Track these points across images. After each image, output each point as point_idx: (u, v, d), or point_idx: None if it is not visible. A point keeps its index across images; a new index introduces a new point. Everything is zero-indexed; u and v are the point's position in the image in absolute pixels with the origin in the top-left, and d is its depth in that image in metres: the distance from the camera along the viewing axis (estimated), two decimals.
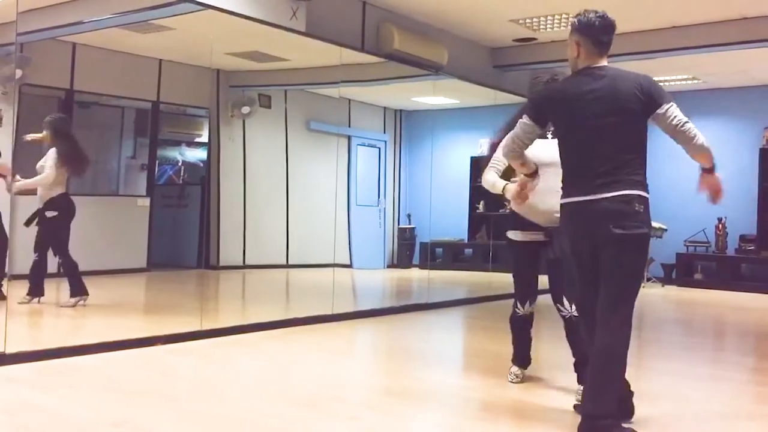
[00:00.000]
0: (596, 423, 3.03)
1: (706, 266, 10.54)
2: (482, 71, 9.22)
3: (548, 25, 8.08)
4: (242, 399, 3.68)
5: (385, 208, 12.16)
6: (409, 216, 12.43)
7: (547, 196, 3.76)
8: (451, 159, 11.93)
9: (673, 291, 10.07)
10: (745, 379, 4.84)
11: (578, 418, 3.38)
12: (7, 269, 6.06)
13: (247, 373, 4.41)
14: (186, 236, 10.33)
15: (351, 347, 5.86)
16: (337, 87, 8.73)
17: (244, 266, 10.14)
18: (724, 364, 5.39)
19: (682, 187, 10.70)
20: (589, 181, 3.14)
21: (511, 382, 4.15)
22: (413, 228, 12.22)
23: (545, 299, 4.06)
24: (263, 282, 9.91)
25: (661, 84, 3.33)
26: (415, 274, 11.32)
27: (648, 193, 3.16)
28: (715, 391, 4.30)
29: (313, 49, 7.50)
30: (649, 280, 10.33)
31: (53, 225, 6.24)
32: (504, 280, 8.88)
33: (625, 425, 3.13)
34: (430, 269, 10.10)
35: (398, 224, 12.46)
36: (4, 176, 6.02)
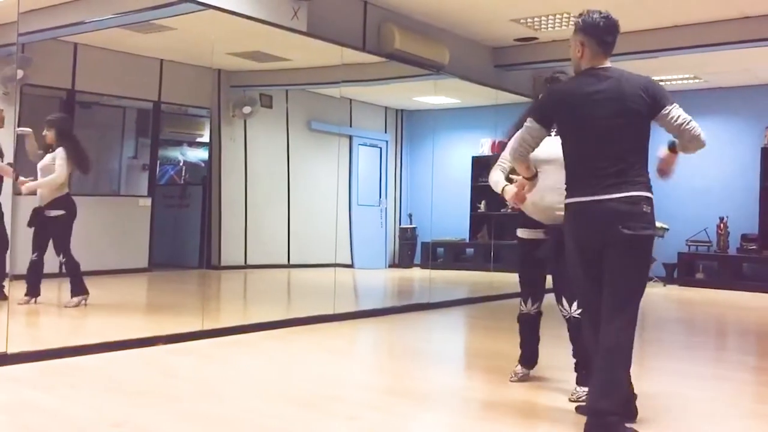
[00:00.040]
0: (605, 419, 3.02)
1: (707, 266, 10.53)
2: (483, 71, 9.21)
3: (549, 25, 8.08)
4: (242, 399, 3.68)
5: (386, 208, 12.16)
6: (410, 216, 12.43)
7: (546, 194, 3.77)
8: (452, 159, 11.94)
9: (674, 290, 10.06)
10: (747, 379, 4.83)
11: (579, 418, 3.38)
12: (8, 270, 6.05)
13: (247, 373, 4.41)
14: (187, 236, 10.33)
15: (352, 347, 5.86)
16: (338, 87, 8.73)
17: (246, 266, 10.15)
18: (725, 364, 5.38)
19: (683, 186, 10.71)
20: (597, 182, 3.15)
21: (510, 380, 4.15)
22: (414, 228, 12.21)
23: (551, 298, 4.05)
24: (264, 282, 9.92)
25: (663, 83, 3.36)
26: (417, 273, 11.32)
27: (652, 193, 3.19)
28: (717, 391, 4.30)
29: (315, 49, 7.50)
30: (650, 279, 10.32)
31: (60, 224, 6.24)
32: (505, 280, 8.94)
33: (627, 425, 3.13)
34: (432, 269, 10.10)
35: (399, 224, 12.46)
36: (15, 177, 6.04)
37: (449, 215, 11.40)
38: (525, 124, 3.35)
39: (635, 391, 3.36)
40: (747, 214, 10.23)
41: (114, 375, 4.20)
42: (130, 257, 9.07)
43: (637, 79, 3.22)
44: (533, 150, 3.38)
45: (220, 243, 9.99)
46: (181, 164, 12.17)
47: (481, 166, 11.79)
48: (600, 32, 3.25)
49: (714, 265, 10.45)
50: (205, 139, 10.95)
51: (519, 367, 4.20)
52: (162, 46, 8.58)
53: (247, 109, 10.12)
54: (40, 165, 6.32)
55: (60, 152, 6.26)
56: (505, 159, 4.08)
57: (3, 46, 6.34)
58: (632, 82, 3.20)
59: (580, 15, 3.31)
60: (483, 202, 11.65)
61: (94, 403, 3.56)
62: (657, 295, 9.44)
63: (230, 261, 9.98)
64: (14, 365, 4.19)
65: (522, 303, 4.17)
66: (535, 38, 8.69)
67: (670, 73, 9.82)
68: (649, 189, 3.18)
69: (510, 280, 8.70)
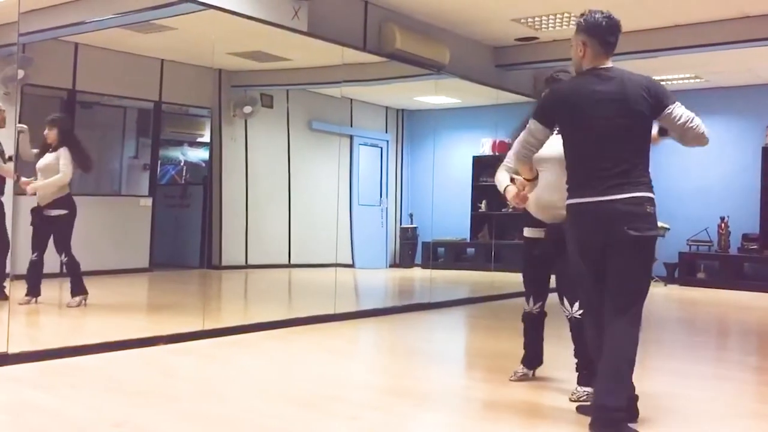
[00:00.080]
0: (611, 415, 3.03)
1: (708, 265, 10.52)
2: (484, 70, 9.21)
3: (550, 25, 8.07)
4: (243, 399, 3.68)
5: (387, 208, 12.16)
6: (411, 215, 12.43)
7: (547, 192, 3.77)
8: (453, 158, 11.94)
9: (675, 290, 10.05)
10: (748, 378, 4.82)
11: (580, 418, 3.39)
12: (8, 270, 6.05)
13: (248, 373, 4.41)
14: (188, 236, 10.33)
15: (353, 347, 5.86)
16: (339, 87, 8.73)
17: (247, 266, 10.15)
18: (727, 363, 5.37)
19: (684, 186, 10.72)
20: (600, 182, 3.16)
21: (510, 379, 4.15)
22: (415, 227, 12.22)
23: (555, 298, 4.05)
24: (265, 282, 9.92)
25: (664, 83, 3.37)
26: (417, 273, 11.32)
27: (654, 193, 3.21)
28: (718, 391, 4.29)
29: (315, 49, 7.50)
30: (652, 279, 10.31)
31: (62, 224, 6.23)
32: (506, 280, 8.95)
33: (629, 426, 3.13)
34: (432, 269, 10.10)
35: (400, 224, 12.46)
36: (17, 178, 6.04)
37: (450, 215, 11.41)
38: (528, 125, 3.36)
39: (636, 392, 3.35)
40: (748, 214, 10.23)
41: (114, 375, 4.20)
42: (131, 257, 9.07)
43: (639, 79, 3.23)
44: (537, 151, 3.40)
45: (220, 243, 9.99)
46: (181, 164, 12.18)
47: (482, 165, 11.81)
48: (602, 32, 3.25)
49: (715, 264, 10.44)
50: (206, 139, 10.95)
51: (520, 366, 4.20)
52: (163, 46, 8.58)
53: (247, 109, 10.13)
54: (40, 165, 6.27)
55: (64, 152, 6.24)
56: (511, 159, 4.08)
57: (4, 46, 6.35)
58: (634, 83, 3.21)
59: (582, 15, 3.32)
60: (484, 201, 11.65)
61: (95, 403, 3.56)
62: (658, 294, 9.43)
63: (231, 261, 9.98)
64: (15, 365, 4.19)
65: (525, 302, 4.18)
66: (536, 38, 8.69)
67: (671, 72, 9.82)
68: (651, 189, 3.20)
69: (511, 279, 8.72)
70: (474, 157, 11.86)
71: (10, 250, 5.98)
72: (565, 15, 7.70)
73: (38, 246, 6.25)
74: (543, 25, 8.13)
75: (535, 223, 4.01)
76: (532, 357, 4.20)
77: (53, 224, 6.22)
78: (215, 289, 9.10)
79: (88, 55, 8.63)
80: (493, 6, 7.60)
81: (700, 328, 7.46)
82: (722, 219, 10.28)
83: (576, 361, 3.85)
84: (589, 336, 3.41)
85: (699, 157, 10.58)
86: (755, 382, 4.78)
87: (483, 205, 11.67)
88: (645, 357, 5.12)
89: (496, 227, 10.88)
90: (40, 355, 4.37)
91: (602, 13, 3.28)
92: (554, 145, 3.49)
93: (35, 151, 6.39)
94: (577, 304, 3.80)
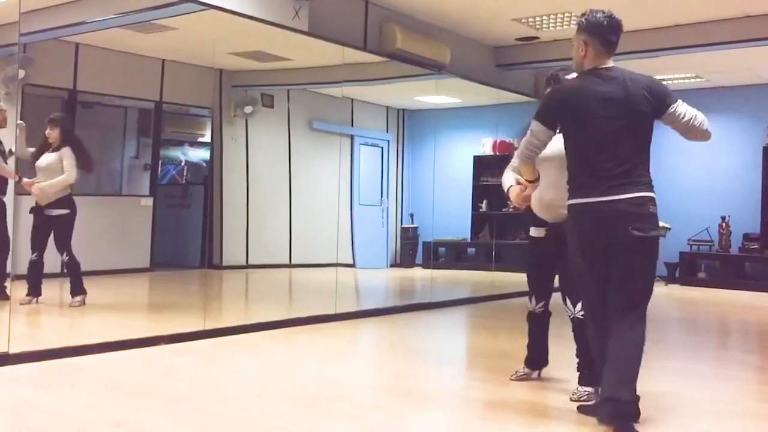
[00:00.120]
0: (623, 407, 3.04)
1: (709, 265, 10.51)
2: (485, 70, 9.21)
3: (550, 24, 8.07)
4: (243, 399, 3.68)
5: (387, 208, 12.16)
6: (411, 215, 12.43)
7: (548, 191, 3.78)
8: (453, 158, 11.94)
9: (676, 290, 10.05)
10: (750, 378, 4.82)
11: (581, 418, 3.39)
12: (9, 270, 6.06)
13: (248, 373, 4.41)
14: (189, 236, 10.34)
15: (353, 347, 5.86)
16: (339, 86, 8.73)
17: (247, 266, 10.15)
18: (728, 363, 5.37)
19: (685, 185, 10.71)
20: (601, 183, 3.17)
21: (510, 378, 4.15)
22: (416, 227, 12.22)
23: (557, 298, 4.05)
24: (266, 282, 9.92)
25: (665, 83, 3.38)
26: (418, 273, 11.32)
27: (655, 193, 3.23)
28: (719, 390, 4.29)
29: (316, 49, 7.50)
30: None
31: (63, 223, 6.23)
32: (507, 279, 8.94)
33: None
34: (433, 268, 10.09)
35: (401, 223, 12.47)
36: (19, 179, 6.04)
37: (451, 215, 11.41)
38: (530, 127, 3.36)
39: (637, 392, 3.35)
40: (749, 214, 10.22)
41: (115, 375, 4.20)
42: (132, 257, 9.07)
43: (640, 79, 3.25)
44: (540, 152, 3.41)
45: (221, 243, 10.00)
46: (182, 164, 12.18)
47: (483, 165, 11.82)
48: (604, 32, 3.26)
49: (716, 264, 10.44)
50: (207, 138, 10.95)
51: (522, 366, 4.19)
52: (163, 46, 8.58)
53: (248, 109, 10.13)
54: (41, 164, 6.25)
55: (67, 152, 6.22)
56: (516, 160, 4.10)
57: (5, 46, 6.35)
58: (636, 82, 3.22)
59: (584, 14, 3.32)
60: (484, 201, 11.66)
61: (95, 403, 3.56)
62: (659, 294, 9.35)
63: (232, 261, 9.99)
64: (16, 365, 4.19)
65: (528, 301, 4.18)
66: (537, 38, 8.68)
67: (671, 72, 9.82)
68: (652, 189, 3.22)
69: (512, 279, 8.73)
70: (475, 156, 11.86)
71: (11, 250, 5.98)
72: (566, 15, 7.69)
73: (38, 246, 6.24)
74: (544, 25, 8.13)
75: (540, 222, 4.01)
76: (536, 357, 4.19)
77: (54, 224, 6.22)
78: (216, 289, 9.11)
79: (88, 55, 8.64)
80: (493, 6, 7.60)
81: (701, 327, 7.46)
82: (723, 219, 10.28)
83: (577, 360, 3.84)
84: (590, 336, 3.41)
85: (700, 156, 10.61)
86: (756, 382, 4.78)
87: (484, 205, 11.67)
88: (646, 357, 5.08)
89: (496, 227, 10.88)
90: (41, 355, 4.37)
91: (603, 12, 3.29)
92: (556, 145, 3.49)
93: (31, 149, 6.37)
94: (579, 305, 3.79)
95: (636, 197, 3.14)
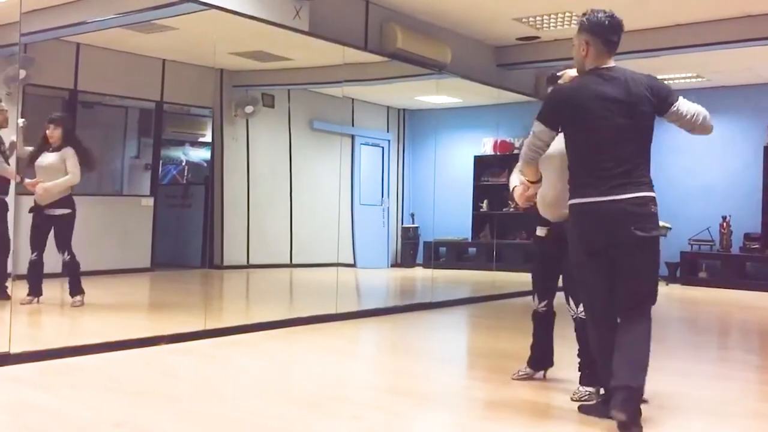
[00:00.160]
0: (633, 393, 3.06)
1: (710, 265, 10.51)
2: (485, 70, 9.20)
3: (551, 24, 8.07)
4: (244, 399, 3.68)
5: (388, 208, 12.16)
6: (412, 215, 12.44)
7: (549, 190, 3.78)
8: (454, 158, 11.94)
9: (677, 290, 10.04)
10: (751, 378, 4.82)
11: (582, 417, 3.39)
12: (11, 270, 6.06)
13: (248, 373, 4.40)
14: (190, 236, 10.34)
15: (354, 347, 5.86)
16: (340, 86, 8.73)
17: (248, 266, 10.16)
18: (729, 363, 5.36)
19: (686, 185, 10.70)
20: (602, 182, 3.18)
21: (511, 378, 4.15)
22: (417, 227, 12.22)
23: (560, 298, 4.05)
24: (267, 281, 9.92)
25: (666, 82, 3.39)
26: (419, 273, 11.32)
27: (655, 193, 3.25)
28: (720, 390, 4.28)
29: (316, 49, 7.50)
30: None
31: (65, 223, 6.23)
32: (508, 279, 8.94)
33: None
34: (434, 268, 10.10)
35: (402, 223, 12.47)
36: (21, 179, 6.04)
37: (451, 214, 11.41)
38: (532, 128, 3.36)
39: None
40: (750, 213, 10.21)
41: (115, 375, 4.20)
42: (133, 257, 9.08)
43: (641, 79, 3.26)
44: (543, 153, 3.42)
45: (222, 242, 10.00)
46: (183, 164, 12.19)
47: (484, 165, 11.82)
48: (605, 31, 3.26)
49: (717, 264, 10.43)
50: (208, 138, 10.96)
51: (525, 366, 4.19)
52: (164, 46, 8.58)
53: (249, 109, 10.13)
54: (42, 163, 6.23)
55: (70, 152, 6.21)
56: None
57: (6, 46, 6.36)
58: (637, 82, 3.23)
59: (585, 14, 3.32)
60: (485, 201, 11.66)
61: (95, 403, 3.56)
62: (660, 294, 9.36)
63: (232, 261, 9.99)
64: (17, 365, 4.19)
65: (532, 300, 4.18)
66: (537, 37, 8.68)
67: (672, 72, 9.81)
68: (653, 189, 3.23)
69: (512, 279, 8.72)
70: (475, 156, 11.87)
71: (11, 250, 5.98)
72: (567, 14, 7.69)
73: (37, 245, 6.24)
74: (544, 25, 8.12)
75: (544, 222, 4.02)
76: (539, 358, 4.18)
77: (55, 223, 6.22)
78: (217, 289, 9.11)
79: (89, 55, 8.64)
80: (494, 5, 7.59)
81: (702, 327, 7.45)
82: (724, 218, 10.27)
83: (579, 360, 3.84)
84: (590, 335, 3.41)
85: (701, 156, 10.60)
86: (757, 381, 4.78)
87: (484, 205, 11.67)
88: None
89: (497, 227, 10.89)
90: (42, 355, 4.37)
91: (605, 12, 3.29)
92: (556, 144, 3.49)
93: (29, 148, 6.35)
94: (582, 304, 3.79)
95: (638, 197, 3.15)
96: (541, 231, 4.06)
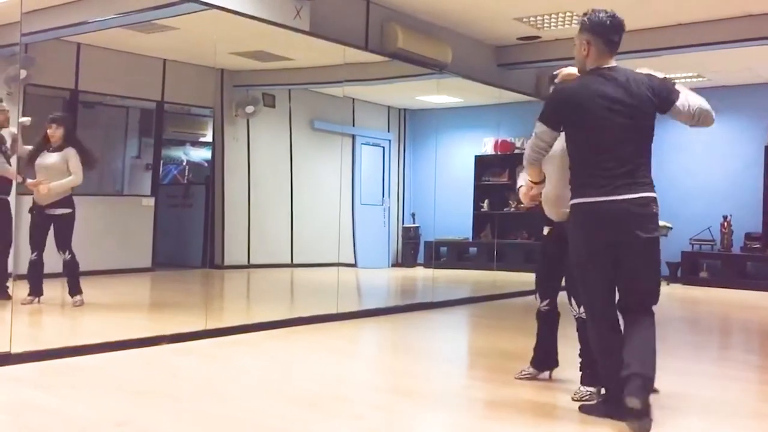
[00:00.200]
0: (648, 381, 3.09)
1: (711, 264, 10.50)
2: (486, 70, 9.20)
3: (552, 24, 8.07)
4: (244, 399, 3.68)
5: (389, 207, 12.16)
6: (413, 215, 12.44)
7: (552, 190, 3.79)
8: (455, 158, 11.94)
9: (678, 289, 10.04)
10: (751, 378, 4.82)
11: (583, 417, 3.39)
12: (12, 269, 6.06)
13: (249, 373, 4.40)
14: (190, 236, 10.35)
15: (355, 346, 5.86)
16: (341, 86, 8.74)
17: (249, 266, 10.16)
18: (730, 363, 5.36)
19: (687, 185, 10.70)
20: (605, 183, 3.18)
21: (514, 377, 4.15)
22: (417, 227, 12.22)
23: (563, 297, 4.05)
24: (267, 281, 9.92)
25: None
26: (420, 273, 11.32)
27: (656, 193, 3.26)
28: (721, 390, 4.28)
29: (317, 49, 7.50)
30: None
31: (66, 222, 6.23)
32: (508, 279, 8.94)
33: None
34: (435, 268, 10.09)
35: (402, 223, 12.47)
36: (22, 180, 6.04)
37: (452, 214, 11.41)
38: (534, 129, 3.36)
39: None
40: (751, 213, 10.21)
41: (116, 375, 4.20)
42: (134, 257, 9.08)
43: (642, 78, 3.27)
44: (546, 153, 3.43)
45: (223, 242, 10.00)
46: (184, 164, 12.19)
47: (484, 165, 11.82)
48: (607, 31, 3.26)
49: (717, 263, 10.43)
50: (208, 138, 10.96)
51: (528, 366, 4.19)
52: (165, 45, 8.58)
53: (250, 109, 10.13)
54: (44, 163, 6.23)
55: (72, 153, 6.21)
56: None
57: (6, 46, 6.37)
58: (639, 82, 3.23)
59: (586, 14, 3.33)
60: (486, 201, 11.66)
61: (96, 403, 3.56)
62: (660, 293, 9.39)
63: (233, 260, 9.99)
64: (17, 365, 4.19)
65: (535, 299, 4.19)
66: (538, 37, 8.67)
67: (673, 71, 9.80)
68: (653, 189, 3.24)
69: (513, 279, 8.72)
70: (476, 156, 11.87)
71: (12, 250, 5.99)
72: (567, 14, 7.69)
73: (37, 245, 6.24)
74: (545, 24, 8.12)
75: (549, 221, 4.03)
76: (543, 357, 4.17)
77: (55, 223, 6.22)
78: (217, 289, 9.11)
79: (90, 55, 8.64)
80: (495, 5, 7.59)
81: (703, 327, 7.45)
82: (725, 218, 10.27)
83: (580, 360, 3.84)
84: (590, 335, 3.41)
85: (701, 156, 10.60)
86: (758, 381, 4.78)
87: (485, 205, 11.67)
88: None
89: (498, 226, 10.88)
90: (42, 355, 4.38)
91: (606, 12, 3.29)
92: (557, 144, 3.49)
93: (28, 147, 6.35)
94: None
95: (640, 197, 3.16)
96: (545, 230, 4.08)
